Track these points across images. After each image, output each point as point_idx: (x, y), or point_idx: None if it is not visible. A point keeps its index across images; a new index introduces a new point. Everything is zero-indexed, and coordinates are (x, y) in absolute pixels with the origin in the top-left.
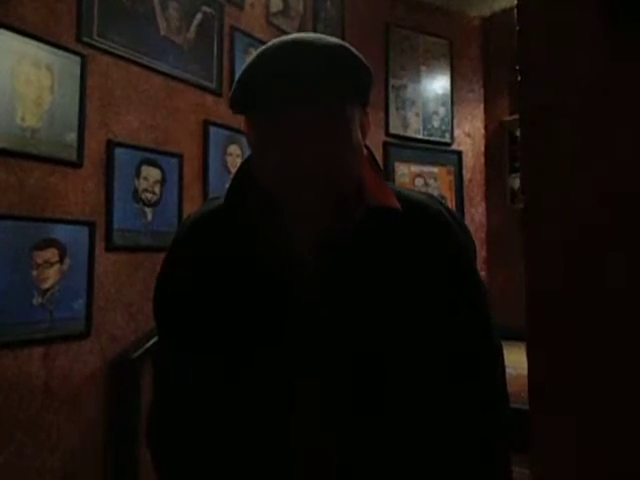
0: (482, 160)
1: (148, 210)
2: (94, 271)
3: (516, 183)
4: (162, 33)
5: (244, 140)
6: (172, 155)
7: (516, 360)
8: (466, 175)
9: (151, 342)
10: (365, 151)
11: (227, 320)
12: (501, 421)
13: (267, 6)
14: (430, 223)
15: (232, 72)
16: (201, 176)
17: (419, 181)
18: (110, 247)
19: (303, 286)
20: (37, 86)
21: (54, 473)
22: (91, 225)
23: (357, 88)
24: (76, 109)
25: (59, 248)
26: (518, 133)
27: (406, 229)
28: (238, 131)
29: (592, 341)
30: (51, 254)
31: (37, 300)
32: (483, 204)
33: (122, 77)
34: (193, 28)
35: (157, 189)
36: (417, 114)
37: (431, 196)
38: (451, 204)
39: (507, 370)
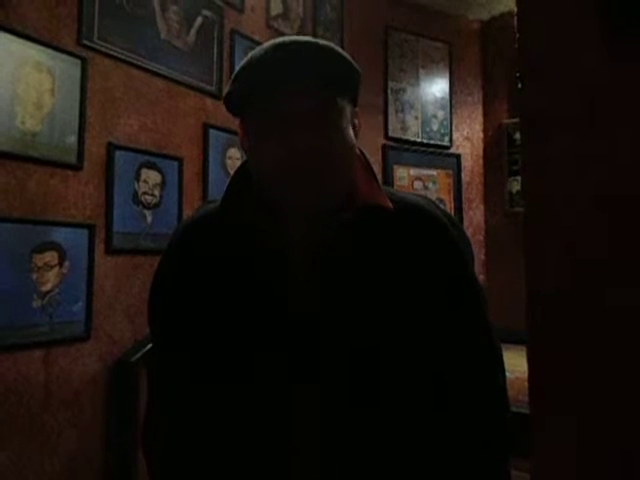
0: (481, 163)
1: (148, 213)
2: (94, 274)
3: (515, 186)
4: (162, 36)
5: None
6: (172, 158)
7: (515, 363)
8: (465, 178)
9: (150, 345)
10: (358, 152)
11: (223, 321)
12: (501, 424)
13: (267, 9)
14: (426, 225)
15: (232, 75)
16: (201, 179)
17: (418, 184)
18: (110, 250)
19: (299, 286)
20: (38, 89)
21: (53, 475)
22: (91, 228)
23: (347, 84)
24: (76, 112)
25: (59, 251)
26: (517, 136)
27: (402, 230)
28: (238, 134)
29: (593, 344)
30: (51, 257)
31: (37, 303)
32: (482, 207)
33: (122, 80)
34: (193, 31)
35: (157, 192)
36: (416, 117)
37: (427, 198)
38: (450, 207)
39: (505, 374)
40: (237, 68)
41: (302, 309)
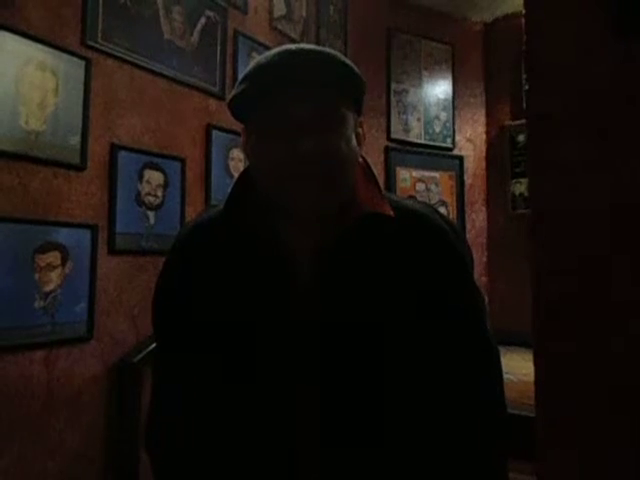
0: (483, 165)
1: (151, 214)
2: (96, 274)
3: (517, 188)
4: (166, 37)
5: None
6: (175, 159)
7: (516, 366)
8: (467, 180)
9: (153, 346)
10: (361, 160)
11: (226, 323)
12: (499, 425)
13: (270, 11)
14: (426, 231)
15: (235, 76)
16: (204, 180)
17: (420, 186)
18: (112, 250)
19: (301, 291)
20: (41, 89)
21: (55, 476)
22: (94, 228)
23: (351, 92)
24: (80, 112)
25: (61, 251)
26: (520, 138)
27: (402, 236)
28: (241, 135)
29: (599, 346)
30: (53, 257)
31: (39, 303)
32: (484, 209)
33: (126, 81)
34: (197, 32)
35: (160, 193)
36: (419, 119)
37: (427, 205)
38: (452, 209)
39: (507, 376)
40: (242, 73)
41: (304, 313)
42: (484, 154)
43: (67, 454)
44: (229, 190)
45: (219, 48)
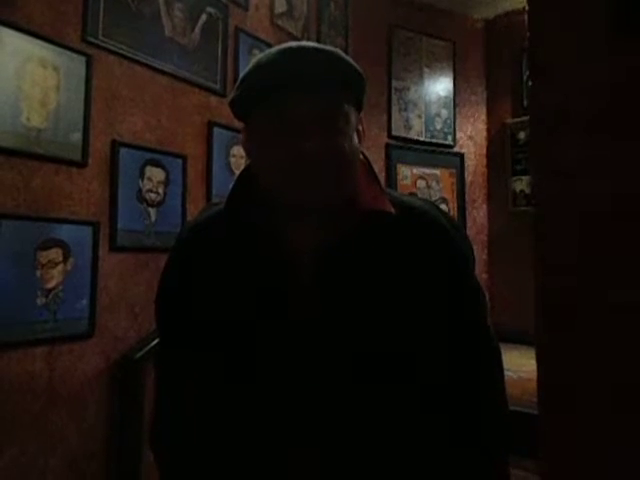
0: (484, 162)
1: (152, 210)
2: (98, 271)
3: (518, 186)
4: (167, 34)
5: None
6: (176, 156)
7: (518, 363)
8: (468, 177)
9: (154, 342)
10: (362, 157)
11: (226, 322)
12: (501, 424)
13: (271, 7)
14: (427, 228)
15: (236, 73)
16: (205, 177)
17: (421, 183)
18: (114, 247)
19: (302, 290)
20: (43, 86)
21: (56, 473)
22: (95, 225)
23: (352, 90)
24: (81, 109)
25: (63, 248)
26: (520, 136)
27: (403, 234)
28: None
29: (603, 343)
30: (55, 254)
31: (41, 300)
32: (485, 206)
33: (127, 77)
34: (198, 29)
35: (161, 190)
36: (419, 116)
37: (429, 202)
38: (453, 206)
39: (508, 373)
40: (244, 72)
41: (304, 312)
42: (485, 151)
43: (68, 451)
44: (230, 188)
45: (220, 45)
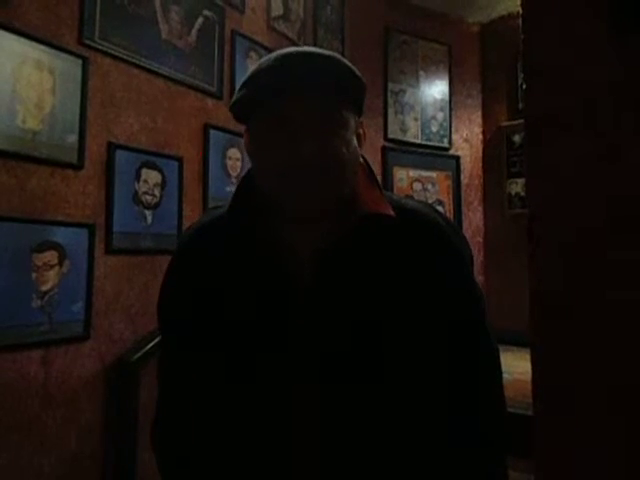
0: (480, 165)
1: (148, 213)
2: (93, 274)
3: (514, 188)
4: (163, 36)
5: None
6: (172, 158)
7: (513, 364)
8: (464, 180)
9: (150, 345)
10: (362, 160)
11: (227, 324)
12: (500, 425)
13: (268, 10)
14: (426, 230)
15: (233, 76)
16: (201, 179)
17: (417, 186)
18: (110, 250)
19: (302, 292)
20: (38, 88)
21: (52, 475)
22: (91, 227)
23: (352, 94)
24: (77, 111)
25: (59, 250)
26: (516, 139)
27: (402, 236)
28: (238, 135)
29: (597, 344)
30: (51, 256)
31: (36, 302)
32: (481, 209)
33: (123, 80)
34: (194, 32)
35: (157, 192)
36: (416, 119)
37: (427, 204)
38: (449, 209)
39: (504, 375)
40: (244, 77)
41: (305, 314)
42: (480, 154)
43: (64, 453)
44: (233, 192)
45: (216, 48)
